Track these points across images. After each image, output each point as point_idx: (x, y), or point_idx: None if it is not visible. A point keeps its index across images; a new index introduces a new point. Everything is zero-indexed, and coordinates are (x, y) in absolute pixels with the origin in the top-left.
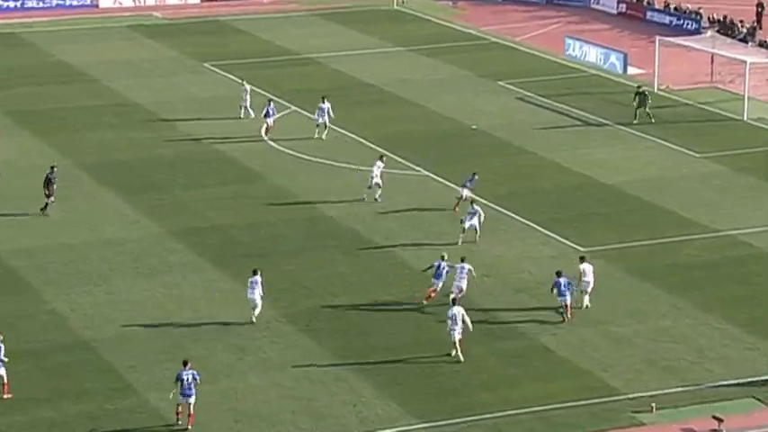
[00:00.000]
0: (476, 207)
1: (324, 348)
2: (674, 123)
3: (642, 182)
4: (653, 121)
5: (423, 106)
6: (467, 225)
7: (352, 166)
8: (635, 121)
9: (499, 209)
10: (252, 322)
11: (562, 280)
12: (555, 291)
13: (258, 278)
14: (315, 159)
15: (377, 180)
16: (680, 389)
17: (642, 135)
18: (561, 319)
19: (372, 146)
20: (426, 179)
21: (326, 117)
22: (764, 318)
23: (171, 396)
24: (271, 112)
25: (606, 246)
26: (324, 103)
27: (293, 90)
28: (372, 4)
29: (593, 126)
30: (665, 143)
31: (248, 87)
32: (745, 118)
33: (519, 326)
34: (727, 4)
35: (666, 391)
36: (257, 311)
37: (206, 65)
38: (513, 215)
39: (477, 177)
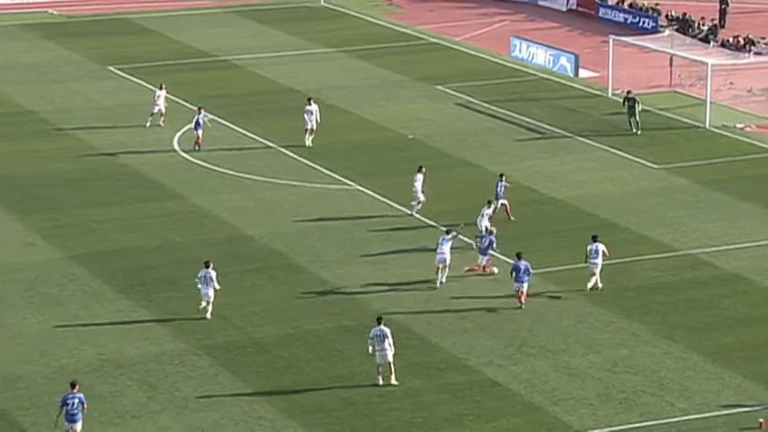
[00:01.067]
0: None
1: (245, 384)
2: (630, 132)
3: (596, 196)
4: (638, 132)
5: (353, 114)
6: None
7: (274, 181)
8: (636, 131)
9: (439, 227)
10: (206, 318)
11: (522, 264)
12: (513, 275)
13: (212, 271)
14: (232, 173)
15: (419, 193)
16: (639, 424)
17: (596, 145)
18: (518, 305)
19: (298, 158)
20: (357, 194)
21: (314, 121)
22: (731, 345)
23: (55, 422)
24: (201, 122)
25: (557, 267)
26: (310, 104)
27: (209, 96)
28: (297, 0)
29: (541, 135)
30: (621, 153)
31: (163, 93)
32: (707, 125)
33: (462, 357)
34: (686, 0)
35: (624, 426)
36: (210, 307)
37: (111, 68)
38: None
39: (505, 179)
